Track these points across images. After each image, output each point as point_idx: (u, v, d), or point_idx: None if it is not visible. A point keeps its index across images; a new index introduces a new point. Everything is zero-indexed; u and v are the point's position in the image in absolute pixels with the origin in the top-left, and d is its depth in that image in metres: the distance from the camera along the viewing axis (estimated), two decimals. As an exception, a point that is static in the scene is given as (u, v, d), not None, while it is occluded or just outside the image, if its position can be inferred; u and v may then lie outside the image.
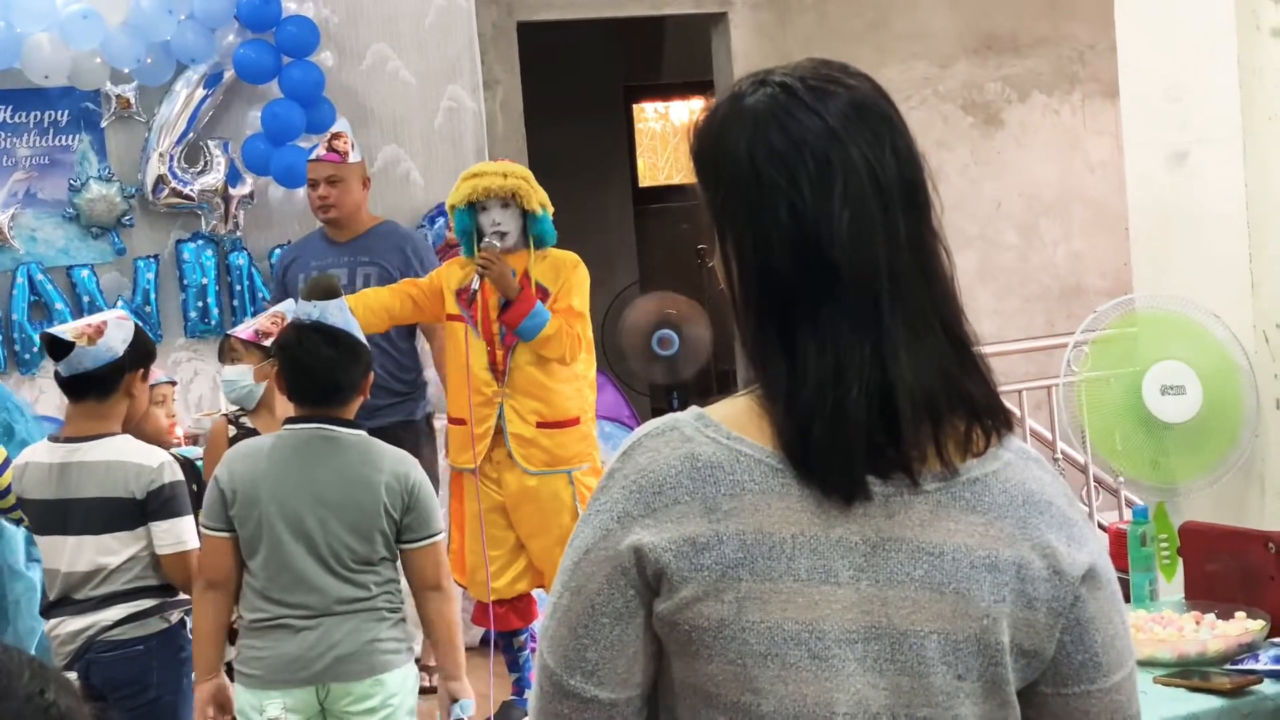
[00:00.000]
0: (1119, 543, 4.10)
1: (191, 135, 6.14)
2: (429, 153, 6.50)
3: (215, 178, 6.17)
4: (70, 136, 6.08)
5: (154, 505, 3.77)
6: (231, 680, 3.77)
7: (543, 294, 5.01)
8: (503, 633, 5.26)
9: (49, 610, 3.87)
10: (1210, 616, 3.38)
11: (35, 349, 5.85)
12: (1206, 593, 3.54)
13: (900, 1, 7.92)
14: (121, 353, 3.81)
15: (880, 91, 1.53)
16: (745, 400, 1.51)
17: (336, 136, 5.81)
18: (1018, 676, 1.49)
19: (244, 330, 4.67)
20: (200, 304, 6.18)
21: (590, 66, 9.49)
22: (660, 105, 10.62)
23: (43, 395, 5.79)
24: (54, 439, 3.91)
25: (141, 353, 3.89)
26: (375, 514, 3.62)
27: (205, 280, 6.19)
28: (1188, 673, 3.14)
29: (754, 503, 1.46)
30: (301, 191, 6.16)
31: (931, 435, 1.47)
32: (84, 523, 3.78)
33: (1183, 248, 4.42)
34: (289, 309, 4.43)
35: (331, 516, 3.61)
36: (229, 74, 6.14)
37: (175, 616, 3.85)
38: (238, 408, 4.65)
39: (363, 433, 3.73)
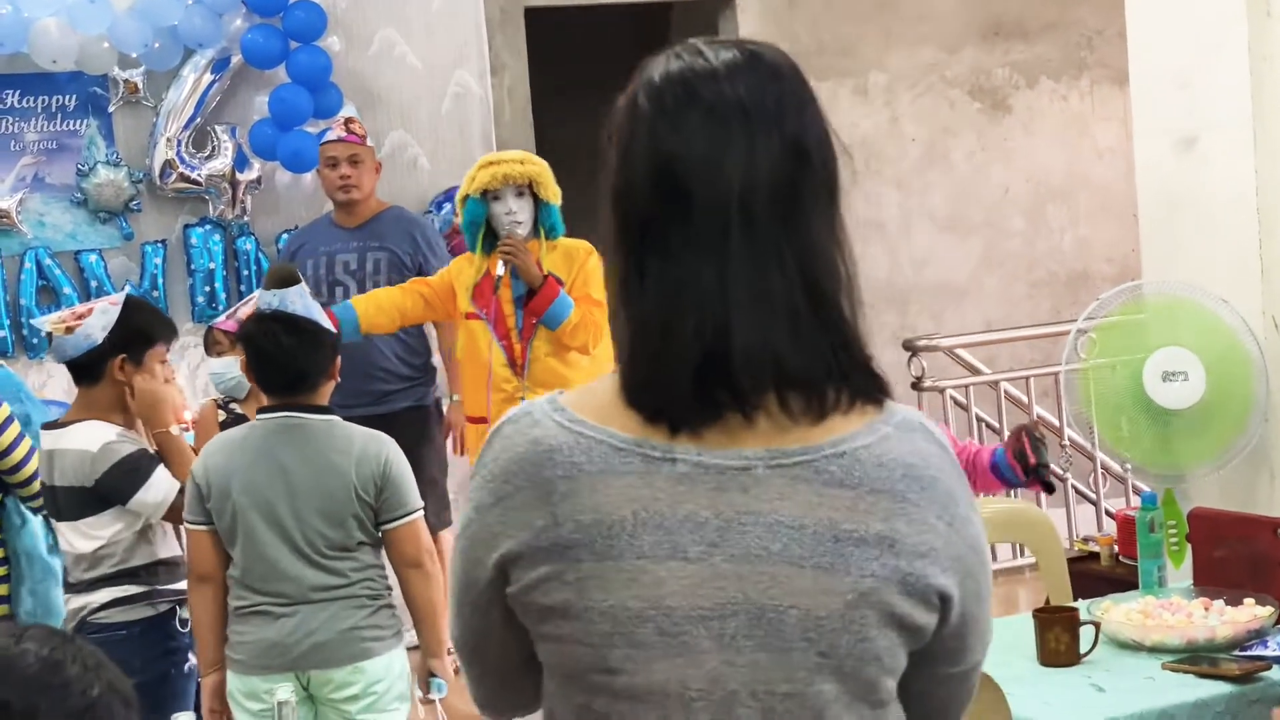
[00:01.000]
0: (1127, 529, 4.11)
1: (199, 120, 6.13)
2: (436, 138, 6.48)
3: (223, 163, 6.17)
4: (78, 121, 6.08)
5: (107, 491, 3.75)
6: None
7: (557, 284, 5.00)
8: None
9: (66, 590, 3.93)
10: (1219, 603, 3.39)
11: (42, 334, 5.87)
12: (1215, 579, 3.55)
13: (907, -14, 7.89)
14: (100, 339, 3.79)
15: (791, 62, 1.52)
16: (611, 376, 1.53)
17: (352, 120, 5.83)
18: (886, 654, 1.47)
19: (226, 321, 4.63)
20: (208, 289, 6.18)
21: (598, 51, 9.46)
22: (667, 90, 10.60)
23: (50, 379, 5.80)
24: (46, 426, 3.94)
25: (127, 337, 3.83)
26: (346, 499, 3.61)
27: (213, 265, 6.19)
28: (1196, 659, 3.15)
29: (590, 483, 1.46)
30: (309, 176, 6.16)
31: (772, 376, 1.45)
32: (62, 508, 3.84)
33: (1192, 234, 4.41)
34: None
35: (303, 504, 3.60)
36: (236, 59, 6.13)
37: (164, 605, 3.84)
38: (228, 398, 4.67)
39: (333, 417, 3.71)
